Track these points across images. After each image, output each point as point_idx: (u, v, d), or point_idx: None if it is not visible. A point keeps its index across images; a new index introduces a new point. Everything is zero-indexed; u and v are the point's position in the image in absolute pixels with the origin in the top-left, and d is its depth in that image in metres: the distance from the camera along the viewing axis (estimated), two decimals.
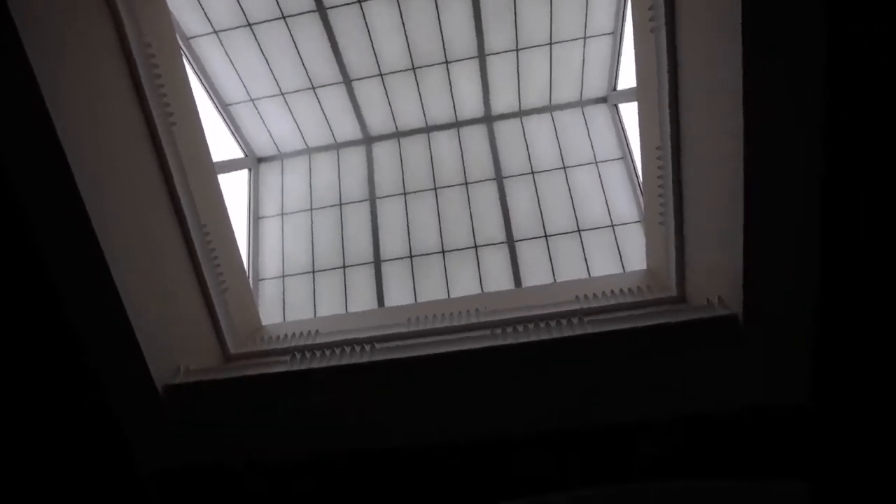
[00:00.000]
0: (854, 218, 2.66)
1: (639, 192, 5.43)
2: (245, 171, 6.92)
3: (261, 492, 3.42)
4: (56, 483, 3.65)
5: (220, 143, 6.80)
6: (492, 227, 5.54)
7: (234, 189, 6.89)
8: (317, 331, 4.10)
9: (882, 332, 2.76)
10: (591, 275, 4.87)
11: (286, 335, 4.12)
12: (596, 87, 6.16)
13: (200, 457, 3.46)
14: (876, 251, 2.71)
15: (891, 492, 2.80)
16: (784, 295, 2.72)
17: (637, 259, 4.95)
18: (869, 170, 2.61)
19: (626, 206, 5.33)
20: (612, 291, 3.60)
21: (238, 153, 6.81)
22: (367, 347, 3.12)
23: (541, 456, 2.88)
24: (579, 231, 5.28)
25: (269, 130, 6.35)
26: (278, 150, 6.62)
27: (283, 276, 5.81)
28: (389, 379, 2.88)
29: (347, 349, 3.17)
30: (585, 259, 5.16)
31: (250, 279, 5.77)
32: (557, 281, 4.92)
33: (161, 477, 3.53)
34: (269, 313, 5.54)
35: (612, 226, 5.22)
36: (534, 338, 2.73)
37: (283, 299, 5.67)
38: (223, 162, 6.47)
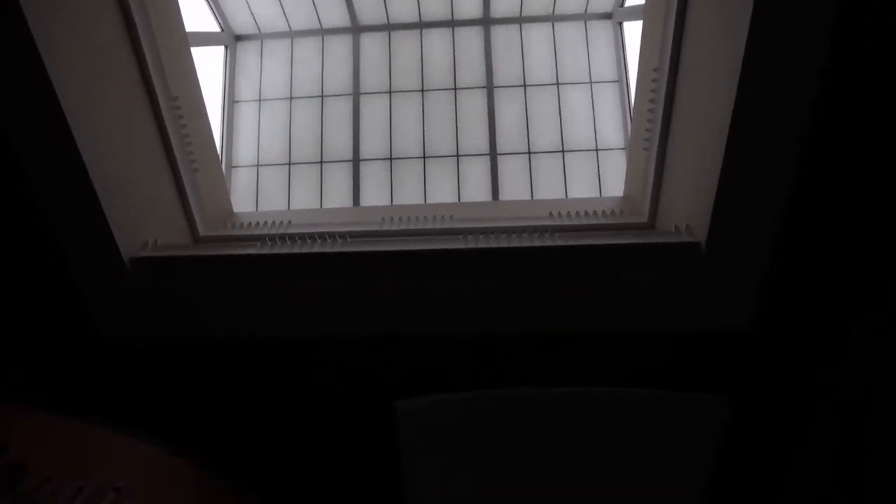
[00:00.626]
0: (826, 183, 2.74)
1: (628, 118, 5.35)
2: (220, 49, 6.43)
3: (224, 369, 3.57)
4: (20, 357, 3.71)
5: (195, 14, 6.22)
6: (476, 138, 5.43)
7: (207, 67, 6.42)
8: (290, 221, 4.08)
9: (824, 280, 2.96)
10: (569, 196, 4.92)
11: (258, 223, 4.08)
12: (602, 0, 5.80)
13: (166, 331, 3.55)
14: (841, 213, 2.82)
15: (800, 413, 3.15)
16: (745, 234, 2.85)
17: (615, 186, 5.00)
18: (856, 134, 2.63)
19: (613, 131, 5.27)
20: (587, 212, 3.65)
21: (214, 27, 6.27)
22: (340, 240, 3.14)
23: (494, 356, 3.09)
24: (563, 151, 5.24)
25: (248, 5, 5.82)
26: (258, 29, 6.11)
27: (258, 166, 5.65)
28: (361, 271, 2.94)
29: (320, 240, 3.19)
30: (565, 180, 5.18)
31: (223, 165, 5.58)
32: (534, 198, 4.97)
33: (125, 349, 3.64)
34: (242, 202, 5.45)
35: (597, 150, 5.20)
36: (504, 244, 2.80)
37: (257, 189, 5.56)
38: (197, 34, 5.95)
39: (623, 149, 5.09)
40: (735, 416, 2.90)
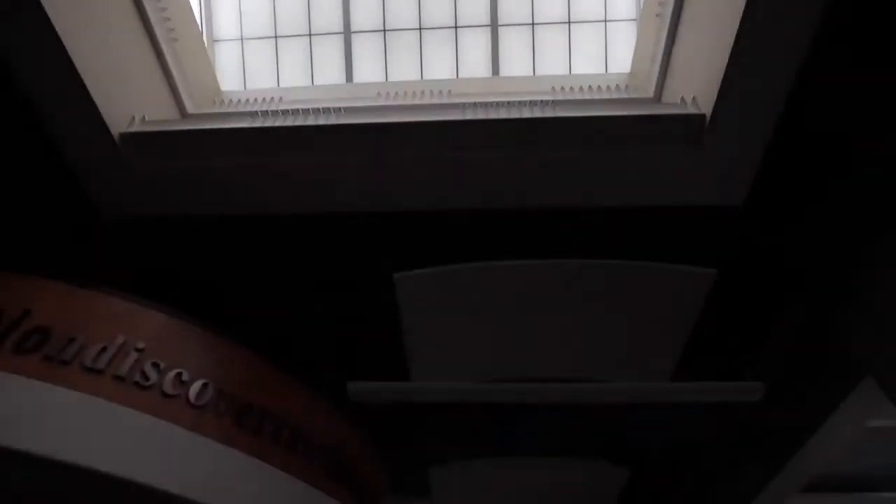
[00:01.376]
0: (839, 60, 2.59)
1: None
2: None
3: (219, 243, 3.66)
4: (21, 238, 3.77)
5: None
6: (476, 7, 4.98)
7: None
8: (280, 98, 3.92)
9: (819, 163, 2.93)
10: (572, 72, 4.66)
11: (247, 100, 3.93)
12: None
13: (164, 208, 3.58)
14: (852, 92, 2.70)
15: (778, 288, 3.30)
16: (751, 109, 2.77)
17: (622, 62, 4.70)
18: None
19: (624, 1, 4.84)
20: (590, 87, 3.51)
21: None
22: (335, 113, 3.04)
23: (492, 229, 3.16)
24: (569, 22, 4.86)
25: None
26: None
27: (241, 39, 5.25)
28: (357, 144, 2.88)
29: (314, 114, 3.08)
30: (570, 55, 4.86)
31: (204, 39, 5.19)
32: (537, 74, 4.70)
33: (121, 225, 3.70)
34: (227, 80, 5.14)
35: (605, 21, 4.81)
36: (504, 115, 2.71)
37: (243, 66, 5.22)
38: None
39: (633, 20, 4.70)
40: (719, 288, 3.05)
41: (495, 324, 2.99)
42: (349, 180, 3.07)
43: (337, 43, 5.12)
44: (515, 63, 4.84)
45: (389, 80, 4.91)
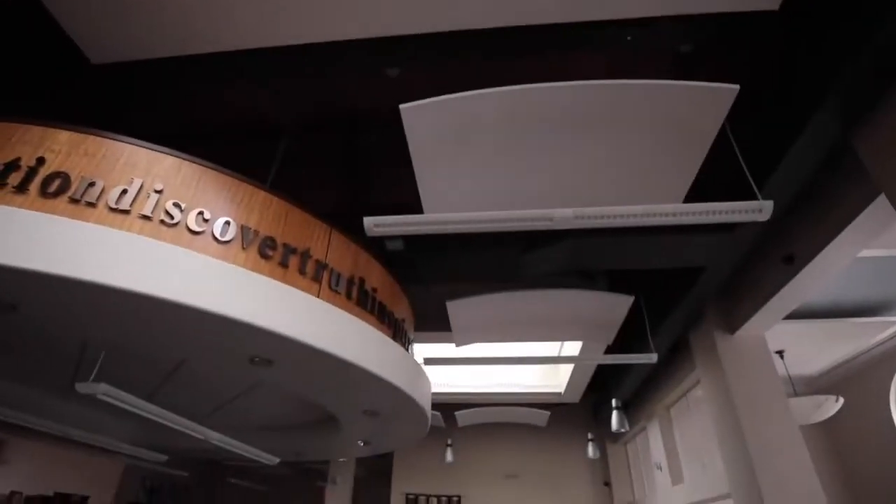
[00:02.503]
0: None
1: None
2: None
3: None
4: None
5: None
6: None
7: None
8: None
9: None
10: None
11: None
12: None
13: (146, 52, 3.40)
14: None
15: (803, 103, 3.11)
16: None
17: None
18: None
19: None
20: None
21: None
22: None
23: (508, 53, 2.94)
24: None
25: None
26: None
27: None
28: None
29: None
30: None
31: None
32: None
33: (108, 71, 3.56)
34: None
35: None
36: None
37: None
38: None
39: None
40: (742, 103, 2.89)
41: (505, 152, 2.94)
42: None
43: None
44: None
45: None
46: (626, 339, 5.52)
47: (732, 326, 5.10)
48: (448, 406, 7.87)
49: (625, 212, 2.82)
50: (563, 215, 2.90)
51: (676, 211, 2.81)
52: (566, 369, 8.02)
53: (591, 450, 7.99)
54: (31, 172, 2.62)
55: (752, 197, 2.85)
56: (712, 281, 4.62)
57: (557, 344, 7.25)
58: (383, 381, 3.28)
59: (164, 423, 3.60)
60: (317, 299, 3.00)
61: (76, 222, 2.46)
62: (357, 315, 3.30)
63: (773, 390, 4.83)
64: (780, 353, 6.28)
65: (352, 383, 3.43)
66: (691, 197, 2.87)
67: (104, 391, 3.03)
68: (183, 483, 11.16)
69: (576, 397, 8.45)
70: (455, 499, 9.72)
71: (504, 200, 3.06)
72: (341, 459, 8.75)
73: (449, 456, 8.47)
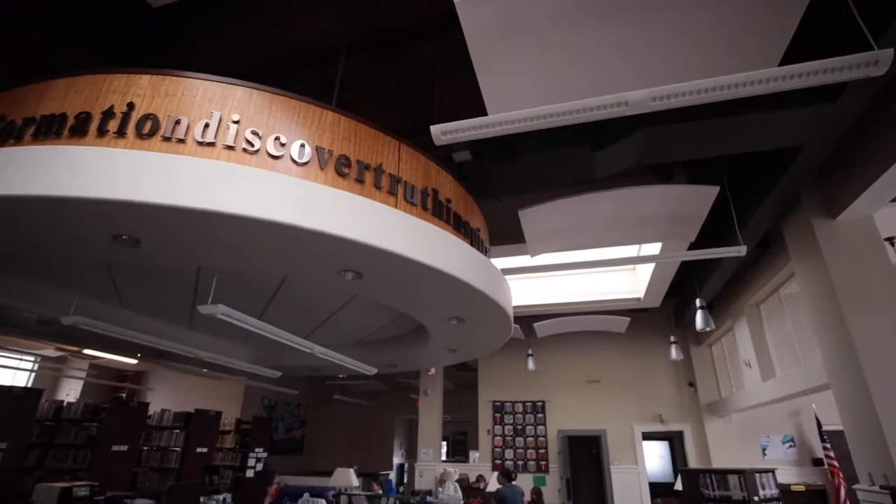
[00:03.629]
0: None
1: None
2: None
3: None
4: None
5: None
6: None
7: None
8: None
9: None
10: None
11: None
12: None
13: None
14: None
15: None
16: None
17: None
18: None
19: None
20: None
21: None
22: None
23: None
24: None
25: None
26: None
27: None
28: None
29: None
30: None
31: None
32: None
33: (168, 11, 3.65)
34: None
35: None
36: None
37: None
38: None
39: None
40: None
41: (569, 38, 2.75)
42: None
43: None
44: None
45: None
46: (711, 235, 5.26)
47: (834, 210, 4.68)
48: (526, 319, 8.10)
49: (709, 84, 2.58)
50: (638, 98, 2.72)
51: (772, 76, 2.53)
52: (645, 275, 7.87)
53: (673, 352, 7.97)
54: (125, 118, 2.84)
55: (865, 48, 2.49)
56: (810, 161, 4.20)
57: (634, 249, 7.07)
58: (466, 285, 3.41)
59: (274, 338, 4.04)
60: (397, 210, 3.12)
61: (175, 156, 2.68)
62: (435, 225, 3.40)
63: (883, 278, 4.47)
64: (891, 239, 5.71)
65: (437, 290, 3.61)
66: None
67: (222, 311, 3.43)
68: (295, 400, 12.63)
69: (656, 302, 8.33)
70: (539, 404, 10.24)
71: (571, 93, 2.90)
72: (430, 372, 9.41)
73: (531, 365, 8.82)
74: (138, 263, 3.93)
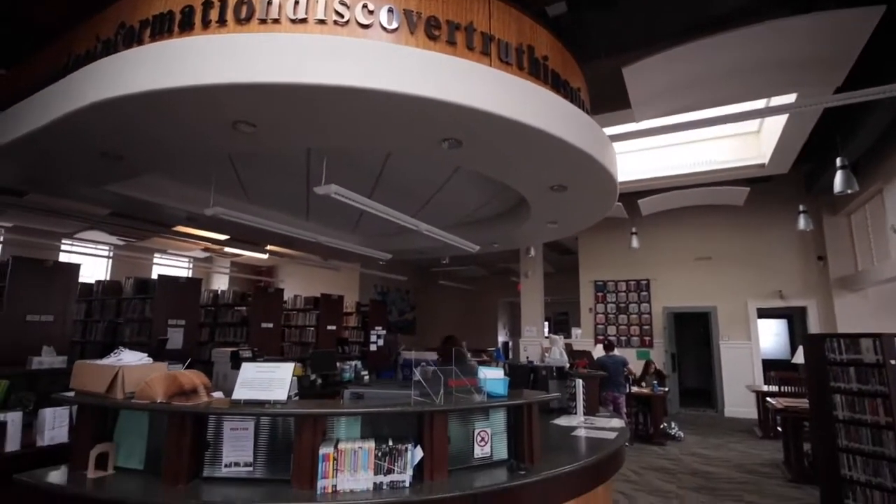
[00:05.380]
0: None
1: None
2: None
3: None
4: None
5: None
6: None
7: None
8: None
9: None
10: None
11: None
12: None
13: None
14: None
15: None
16: None
17: None
18: None
19: None
20: None
21: None
22: None
23: None
24: None
25: None
26: None
27: None
28: None
29: None
30: None
31: None
32: None
33: None
34: None
35: None
36: None
37: None
38: None
39: None
40: None
41: None
42: None
43: None
44: None
45: None
46: (862, 74, 4.39)
47: None
48: (630, 196, 7.69)
49: None
50: None
51: None
52: (771, 136, 6.94)
53: (802, 222, 7.17)
54: (223, 5, 2.93)
55: None
56: None
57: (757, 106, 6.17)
58: (569, 145, 3.27)
59: (383, 215, 4.27)
60: (492, 69, 2.98)
61: (275, 34, 2.75)
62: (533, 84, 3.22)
63: None
64: None
65: (538, 154, 3.50)
66: None
67: (335, 190, 3.67)
68: (404, 286, 13.73)
69: (784, 167, 7.39)
70: (644, 282, 10.09)
71: None
72: (530, 255, 9.56)
73: (634, 243, 8.56)
74: (257, 154, 4.27)
